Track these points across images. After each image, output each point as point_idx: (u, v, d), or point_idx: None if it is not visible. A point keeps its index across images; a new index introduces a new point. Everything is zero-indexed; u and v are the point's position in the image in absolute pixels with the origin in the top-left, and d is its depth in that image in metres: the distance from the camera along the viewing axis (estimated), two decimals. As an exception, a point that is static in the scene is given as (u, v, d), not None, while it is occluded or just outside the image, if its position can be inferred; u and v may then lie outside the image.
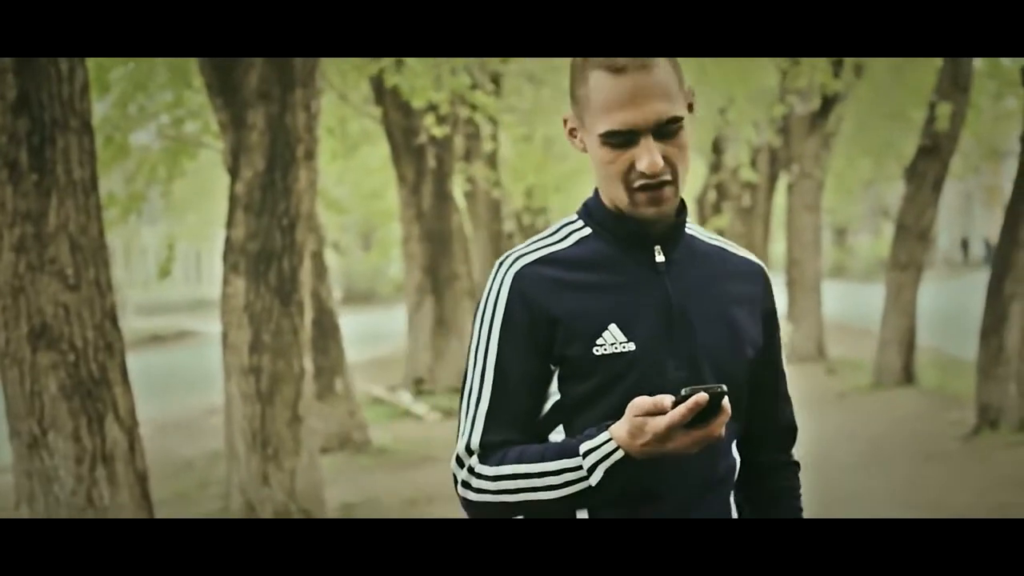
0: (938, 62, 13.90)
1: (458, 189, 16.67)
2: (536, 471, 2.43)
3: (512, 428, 2.49)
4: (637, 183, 2.43)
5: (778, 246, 34.26)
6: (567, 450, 2.42)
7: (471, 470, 2.49)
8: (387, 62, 11.67)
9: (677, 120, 2.42)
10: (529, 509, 2.47)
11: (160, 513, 6.69)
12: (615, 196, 2.48)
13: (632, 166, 2.42)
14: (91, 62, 7.37)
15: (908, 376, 15.57)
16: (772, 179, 24.13)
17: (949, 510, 8.72)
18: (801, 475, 2.80)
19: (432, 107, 13.42)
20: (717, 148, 24.29)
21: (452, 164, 16.36)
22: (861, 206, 52.72)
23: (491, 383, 2.49)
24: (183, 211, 30.16)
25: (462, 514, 2.58)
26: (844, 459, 11.18)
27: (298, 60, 8.28)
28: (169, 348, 30.64)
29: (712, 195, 25.36)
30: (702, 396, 2.26)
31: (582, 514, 2.47)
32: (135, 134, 11.60)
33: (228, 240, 8.53)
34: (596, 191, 2.58)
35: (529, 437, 2.50)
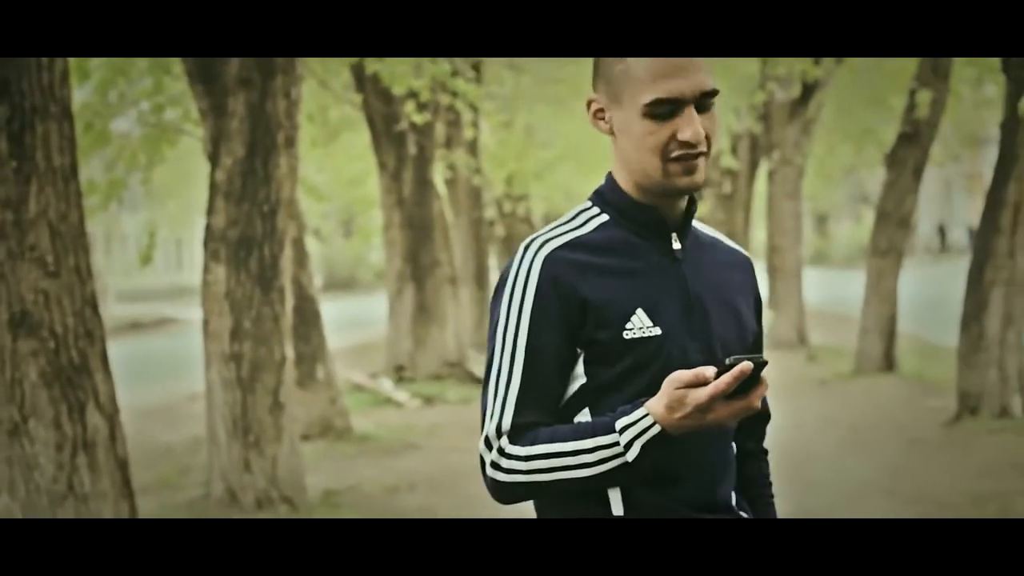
0: (918, 49, 13.92)
1: (439, 176, 16.64)
2: (570, 449, 2.44)
3: (542, 410, 2.51)
4: (675, 153, 2.47)
5: (759, 233, 34.33)
6: (601, 427, 2.44)
7: (501, 451, 2.50)
8: (368, 49, 11.64)
9: (715, 93, 2.49)
10: (561, 488, 2.48)
11: (141, 499, 6.68)
12: (648, 169, 2.50)
13: (672, 137, 2.47)
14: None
15: (889, 363, 15.61)
16: (753, 166, 24.17)
17: (930, 497, 8.75)
18: (782, 462, 2.85)
19: (412, 94, 13.39)
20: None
21: (433, 151, 16.33)
22: (842, 193, 52.85)
23: (522, 365, 2.50)
24: (164, 198, 30.01)
25: (445, 501, 2.59)
26: (825, 446, 11.21)
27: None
28: (150, 335, 30.56)
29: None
30: (747, 365, 2.29)
31: (615, 498, 2.49)
32: (115, 121, 11.55)
33: (208, 227, 8.52)
34: (609, 177, 2.61)
35: (557, 419, 2.52)
